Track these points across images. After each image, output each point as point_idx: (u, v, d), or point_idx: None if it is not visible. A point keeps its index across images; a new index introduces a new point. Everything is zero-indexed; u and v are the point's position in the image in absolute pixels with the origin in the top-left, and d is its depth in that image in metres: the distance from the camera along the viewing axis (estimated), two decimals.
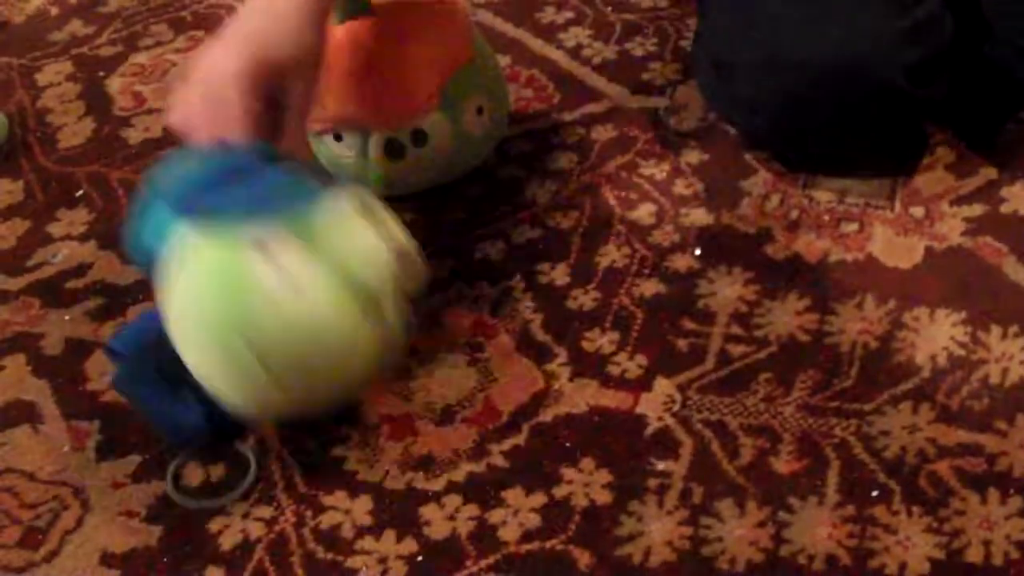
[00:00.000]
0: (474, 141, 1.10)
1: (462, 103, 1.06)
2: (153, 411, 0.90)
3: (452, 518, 0.87)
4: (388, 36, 1.06)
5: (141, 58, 1.38)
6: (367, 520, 0.87)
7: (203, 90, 0.88)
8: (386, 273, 0.81)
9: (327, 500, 0.89)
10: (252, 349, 0.78)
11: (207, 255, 0.80)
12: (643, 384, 0.94)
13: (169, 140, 1.24)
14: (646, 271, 1.02)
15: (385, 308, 0.81)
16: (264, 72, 0.87)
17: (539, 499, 0.87)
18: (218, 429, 0.89)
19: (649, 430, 0.90)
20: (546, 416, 0.92)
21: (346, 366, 0.82)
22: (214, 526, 0.88)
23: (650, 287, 1.01)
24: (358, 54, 1.06)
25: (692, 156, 1.13)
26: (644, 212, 1.08)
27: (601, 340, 0.97)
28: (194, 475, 0.91)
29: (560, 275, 1.03)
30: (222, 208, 0.81)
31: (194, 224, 0.81)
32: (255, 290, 0.78)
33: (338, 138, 1.09)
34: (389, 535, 0.86)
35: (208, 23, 1.42)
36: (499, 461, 0.90)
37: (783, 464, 0.87)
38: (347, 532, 0.87)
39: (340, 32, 1.09)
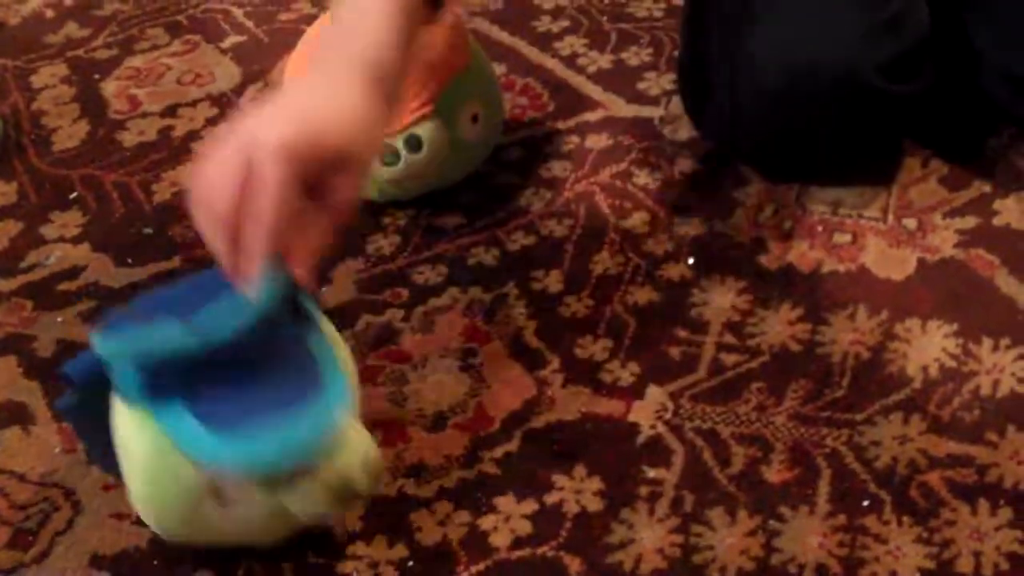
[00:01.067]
0: (469, 147, 1.10)
1: (457, 110, 1.07)
2: (93, 444, 0.87)
3: (443, 524, 0.87)
4: None
5: (136, 61, 1.38)
6: (358, 525, 0.87)
7: (237, 160, 0.73)
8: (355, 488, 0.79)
9: None
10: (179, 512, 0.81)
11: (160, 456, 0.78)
12: (635, 392, 0.94)
13: (164, 144, 1.25)
14: (639, 279, 1.03)
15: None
16: (313, 154, 0.74)
17: (530, 506, 0.87)
18: None
19: (641, 438, 0.90)
20: (538, 423, 0.92)
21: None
22: None
23: (643, 295, 1.01)
24: None
25: (686, 165, 1.13)
26: (638, 220, 1.08)
27: (594, 348, 0.97)
28: None
29: (553, 282, 1.03)
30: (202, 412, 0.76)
31: (164, 417, 0.76)
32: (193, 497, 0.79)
33: None
34: (380, 541, 0.86)
35: (204, 27, 1.42)
36: (491, 468, 0.90)
37: (774, 473, 0.87)
38: (338, 537, 0.86)
39: None
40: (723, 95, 1.05)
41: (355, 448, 0.78)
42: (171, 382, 0.76)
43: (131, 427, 0.79)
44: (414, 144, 1.06)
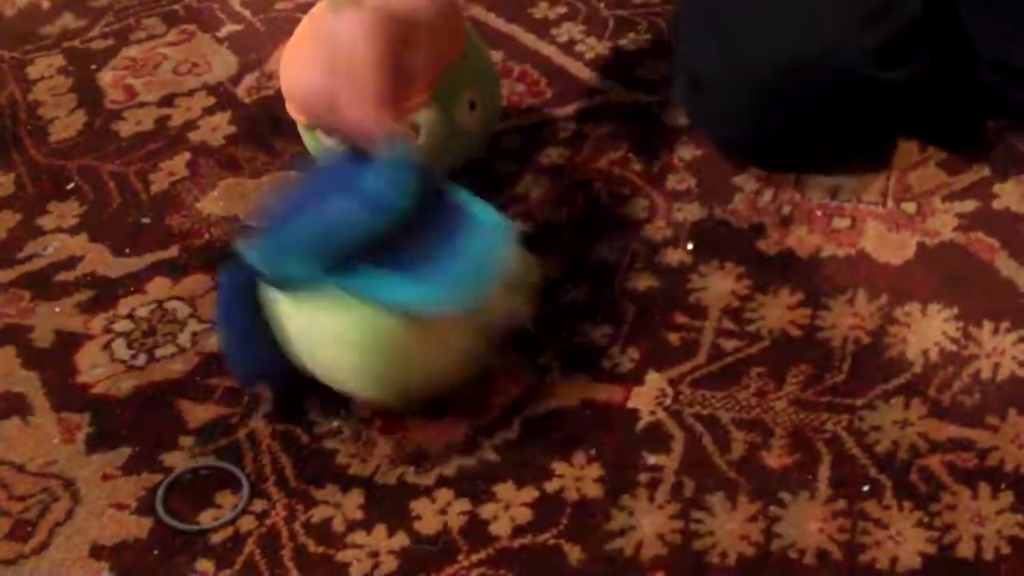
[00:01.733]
0: (467, 135, 1.09)
1: (455, 97, 1.06)
2: (241, 339, 0.92)
3: (443, 512, 0.87)
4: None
5: (133, 51, 1.37)
6: (358, 514, 0.87)
7: (330, 52, 0.88)
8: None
9: (318, 494, 0.88)
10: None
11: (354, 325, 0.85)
12: (635, 378, 0.93)
13: (161, 133, 1.24)
14: (638, 265, 1.02)
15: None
16: (391, 23, 0.87)
17: (530, 493, 0.87)
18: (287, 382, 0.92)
19: (641, 424, 0.90)
20: (537, 410, 0.92)
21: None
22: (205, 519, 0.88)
23: (642, 281, 1.01)
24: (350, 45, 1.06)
25: (685, 151, 1.13)
26: (637, 207, 1.08)
27: (593, 334, 0.97)
28: (186, 494, 0.90)
29: (552, 269, 1.03)
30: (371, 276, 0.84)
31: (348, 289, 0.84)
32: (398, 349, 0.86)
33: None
34: (380, 529, 0.86)
35: (200, 17, 1.41)
36: (490, 455, 0.90)
37: (774, 458, 0.87)
38: (338, 526, 0.86)
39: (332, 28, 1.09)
40: (715, 93, 1.04)
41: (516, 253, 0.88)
42: (349, 262, 0.83)
43: (322, 312, 0.84)
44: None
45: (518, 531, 0.85)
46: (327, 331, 0.86)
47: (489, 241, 0.87)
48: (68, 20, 1.44)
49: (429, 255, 0.85)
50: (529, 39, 1.31)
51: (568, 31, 1.31)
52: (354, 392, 0.90)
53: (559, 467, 0.88)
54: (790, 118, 1.02)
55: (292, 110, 1.11)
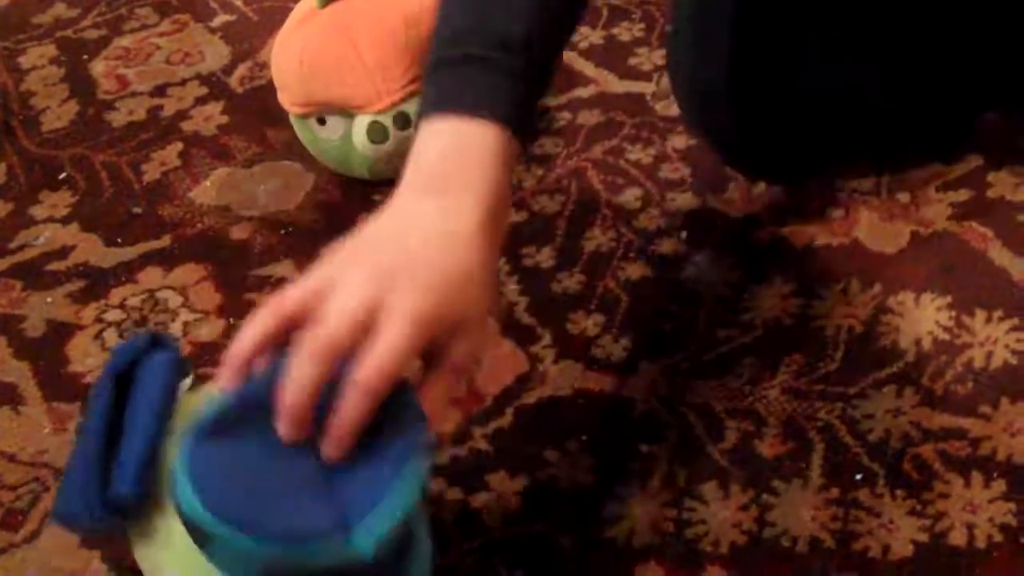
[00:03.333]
0: None
1: None
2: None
3: (435, 502, 0.86)
4: (372, 19, 1.06)
5: (125, 41, 1.37)
6: None
7: (360, 314, 0.64)
8: None
9: None
10: None
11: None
12: (628, 367, 0.93)
13: (153, 123, 1.24)
14: (632, 255, 1.02)
15: None
16: (442, 325, 0.66)
17: (522, 482, 0.87)
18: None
19: (634, 413, 0.90)
20: (530, 399, 0.92)
21: None
22: None
23: (636, 270, 1.01)
24: (341, 37, 1.06)
25: (679, 141, 1.12)
26: (630, 196, 1.08)
27: (586, 323, 0.97)
28: None
29: (545, 258, 1.03)
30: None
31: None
32: None
33: (321, 122, 1.08)
34: None
35: (193, 7, 1.41)
36: (483, 444, 0.90)
37: (767, 447, 0.87)
38: None
39: (324, 14, 1.09)
40: (717, 111, 1.03)
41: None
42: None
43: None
44: (402, 122, 1.05)
45: (510, 520, 0.85)
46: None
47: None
48: (60, 10, 1.44)
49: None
50: None
51: None
52: None
53: (551, 455, 0.88)
54: (798, 137, 1.02)
55: (284, 100, 1.11)
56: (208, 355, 0.98)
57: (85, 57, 1.35)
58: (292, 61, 1.08)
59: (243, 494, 0.63)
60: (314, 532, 0.62)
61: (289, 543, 0.62)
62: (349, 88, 1.05)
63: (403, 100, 1.05)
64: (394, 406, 0.65)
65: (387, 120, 1.05)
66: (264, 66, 1.28)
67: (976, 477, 0.83)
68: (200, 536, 0.63)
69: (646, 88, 1.19)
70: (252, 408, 0.65)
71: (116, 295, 1.05)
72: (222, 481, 0.63)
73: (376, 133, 1.05)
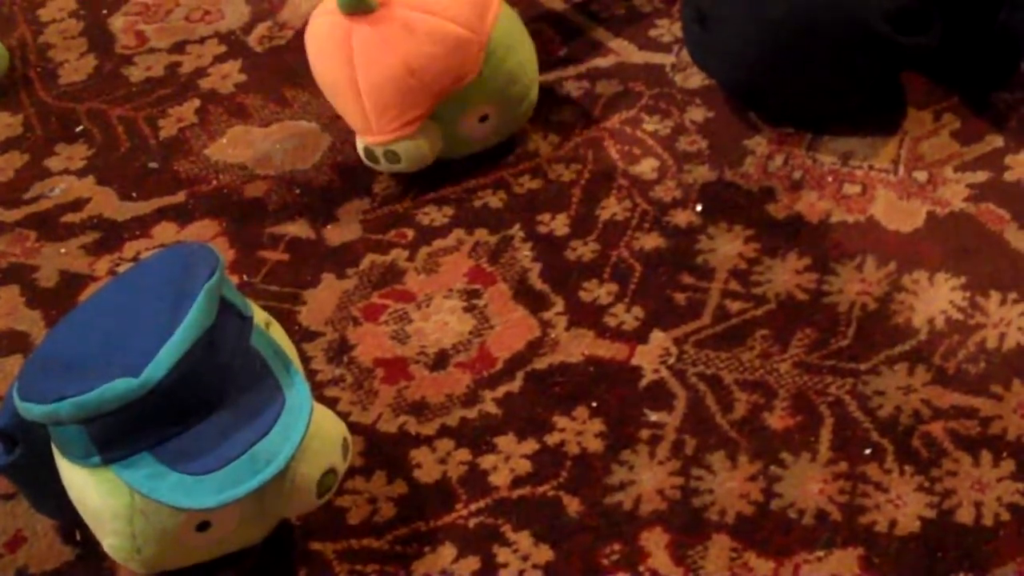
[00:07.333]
0: (472, 143, 1.08)
1: (460, 114, 1.04)
2: (39, 497, 0.84)
3: (443, 462, 0.87)
4: (374, 61, 1.02)
5: None
6: (358, 460, 0.87)
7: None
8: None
9: None
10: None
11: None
12: (639, 336, 0.93)
13: (171, 79, 1.24)
14: (646, 225, 1.02)
15: None
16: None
17: (531, 446, 0.87)
18: None
19: (644, 381, 0.90)
20: (541, 364, 0.92)
21: None
22: None
23: (650, 241, 1.01)
24: (345, 65, 1.03)
25: (697, 113, 1.12)
26: (647, 167, 1.07)
27: (599, 291, 0.97)
28: None
29: (560, 226, 1.03)
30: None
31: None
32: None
33: None
34: (380, 477, 0.86)
35: None
36: (492, 408, 0.90)
37: (777, 420, 0.87)
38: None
39: (338, 28, 1.05)
40: (727, 37, 1.04)
41: (331, 436, 0.78)
42: (122, 430, 0.73)
43: (90, 485, 0.75)
44: (392, 157, 1.04)
45: (517, 482, 0.85)
46: (87, 500, 0.76)
47: (287, 418, 0.75)
48: None
49: (215, 425, 0.74)
50: None
51: None
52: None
53: (560, 421, 0.88)
54: (796, 64, 1.02)
55: None
56: None
57: (104, 12, 1.34)
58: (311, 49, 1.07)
59: (55, 378, 0.73)
60: (106, 381, 0.71)
61: (82, 395, 0.71)
62: (347, 112, 1.05)
63: (392, 140, 1.03)
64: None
65: (378, 151, 1.04)
66: (283, 26, 1.28)
67: (985, 456, 0.83)
68: (40, 430, 0.75)
69: (665, 60, 1.19)
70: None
71: (130, 249, 1.05)
72: (37, 379, 0.75)
73: (369, 155, 1.05)
